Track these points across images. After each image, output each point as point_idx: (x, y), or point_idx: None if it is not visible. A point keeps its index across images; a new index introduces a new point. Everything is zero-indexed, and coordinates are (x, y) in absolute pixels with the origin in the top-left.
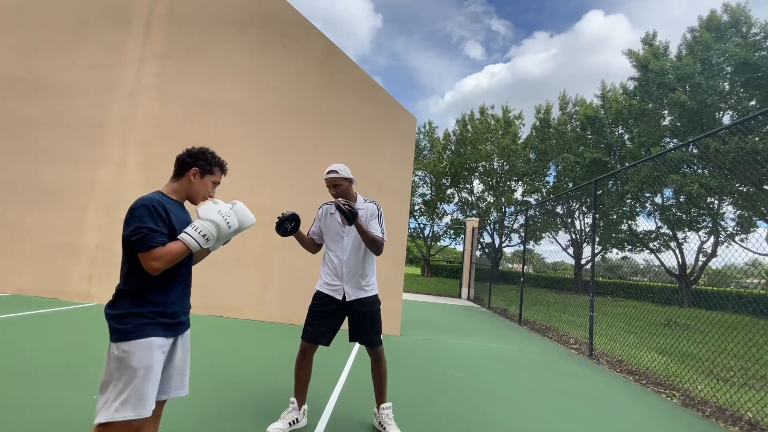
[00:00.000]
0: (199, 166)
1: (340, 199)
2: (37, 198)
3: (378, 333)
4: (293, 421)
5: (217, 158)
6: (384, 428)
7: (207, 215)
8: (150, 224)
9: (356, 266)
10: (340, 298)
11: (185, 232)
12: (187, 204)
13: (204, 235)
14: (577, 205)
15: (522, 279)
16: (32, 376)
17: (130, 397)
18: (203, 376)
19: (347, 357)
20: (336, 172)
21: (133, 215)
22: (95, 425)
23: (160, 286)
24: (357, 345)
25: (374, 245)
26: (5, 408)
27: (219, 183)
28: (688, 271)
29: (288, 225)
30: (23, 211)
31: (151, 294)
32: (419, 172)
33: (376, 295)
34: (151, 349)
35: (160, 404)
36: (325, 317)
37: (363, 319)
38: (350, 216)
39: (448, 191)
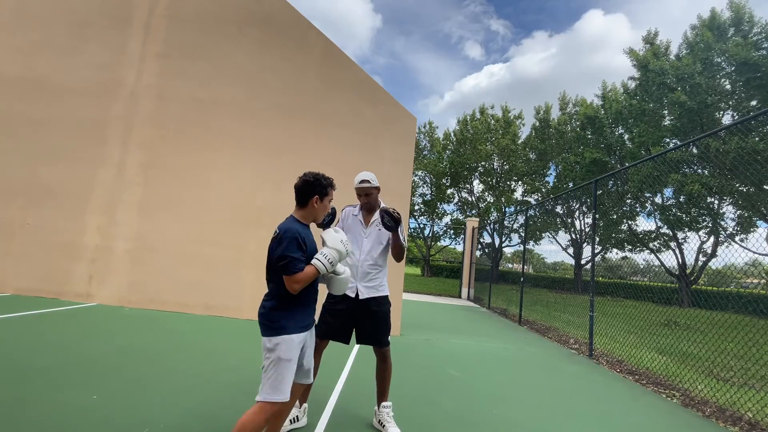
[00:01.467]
0: (317, 192)
1: (387, 206)
2: (37, 198)
3: (387, 333)
4: (293, 419)
5: (328, 179)
6: (384, 426)
7: (334, 245)
8: (294, 254)
9: (371, 267)
10: (353, 296)
11: (317, 258)
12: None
13: (331, 262)
14: (577, 205)
15: (522, 279)
16: (32, 376)
17: (275, 381)
18: (204, 377)
19: (348, 356)
20: (368, 182)
21: (282, 243)
22: (256, 401)
23: (298, 297)
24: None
25: (401, 250)
26: (5, 408)
27: (332, 198)
28: (688, 271)
29: (326, 218)
30: (23, 211)
31: (292, 302)
32: (419, 172)
33: (387, 296)
34: (293, 344)
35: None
36: (338, 315)
37: (374, 319)
38: (399, 221)
39: (448, 191)
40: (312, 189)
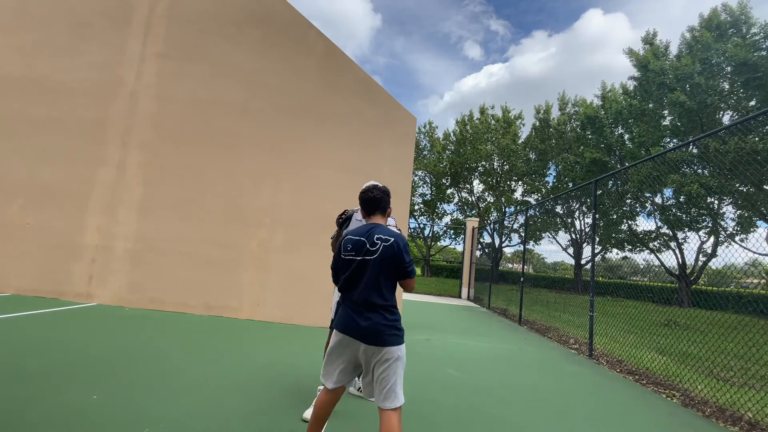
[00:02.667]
0: (389, 203)
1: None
2: (37, 198)
3: None
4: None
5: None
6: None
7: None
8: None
9: None
10: None
11: None
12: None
13: None
14: (577, 205)
15: (522, 279)
16: (32, 376)
17: (400, 384)
18: (204, 377)
19: None
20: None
21: (406, 249)
22: (392, 409)
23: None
24: None
25: None
26: (5, 409)
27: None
28: (688, 271)
29: (340, 219)
30: (23, 211)
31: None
32: (419, 172)
33: None
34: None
35: None
36: None
37: None
38: None
39: (448, 191)
40: (389, 199)
